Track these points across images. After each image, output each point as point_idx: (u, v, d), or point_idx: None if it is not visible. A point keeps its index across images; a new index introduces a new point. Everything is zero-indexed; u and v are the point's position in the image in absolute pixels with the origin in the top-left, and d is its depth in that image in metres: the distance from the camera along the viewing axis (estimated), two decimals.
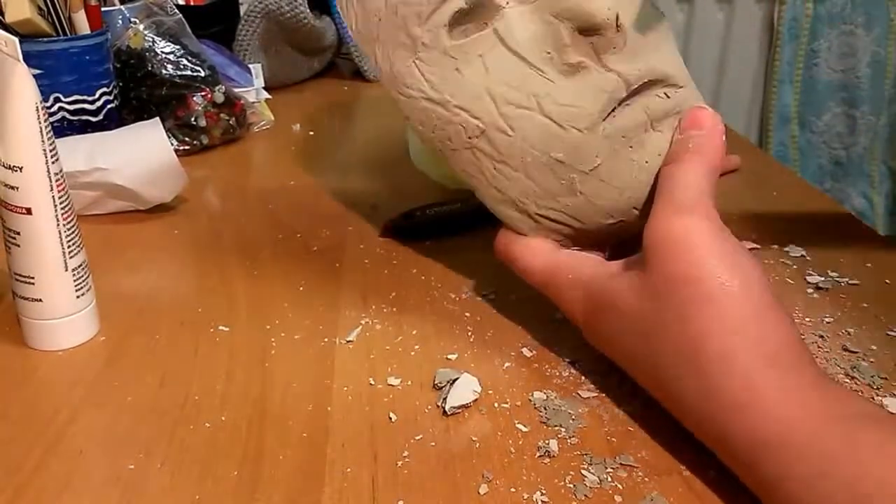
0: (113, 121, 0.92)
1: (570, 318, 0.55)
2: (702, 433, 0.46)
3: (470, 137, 0.55)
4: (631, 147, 0.55)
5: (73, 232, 0.55)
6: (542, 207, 0.56)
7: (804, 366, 0.44)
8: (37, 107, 0.52)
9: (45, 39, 0.86)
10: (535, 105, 0.53)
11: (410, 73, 0.56)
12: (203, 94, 0.97)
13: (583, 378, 0.54)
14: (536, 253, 0.57)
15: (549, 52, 0.54)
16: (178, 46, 0.99)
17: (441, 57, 0.55)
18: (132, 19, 0.98)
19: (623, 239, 0.57)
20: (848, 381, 0.54)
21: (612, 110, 0.54)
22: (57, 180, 0.54)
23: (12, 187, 0.53)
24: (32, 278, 0.55)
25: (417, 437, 0.49)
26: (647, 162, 0.55)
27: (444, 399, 0.51)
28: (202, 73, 0.98)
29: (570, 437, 0.49)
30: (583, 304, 0.53)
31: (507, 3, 0.54)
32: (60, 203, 0.54)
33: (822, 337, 0.59)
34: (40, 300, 0.55)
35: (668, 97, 0.56)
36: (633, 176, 0.55)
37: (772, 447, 0.41)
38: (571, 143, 0.54)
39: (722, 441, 0.44)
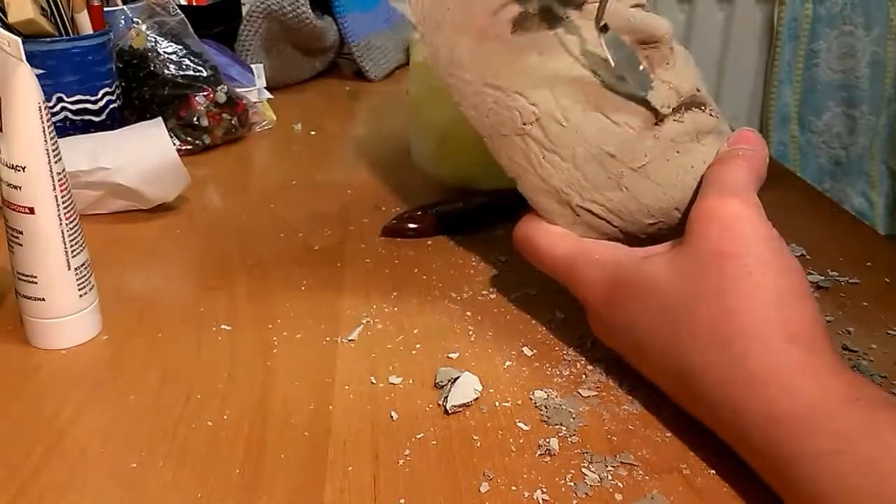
0: (115, 121, 0.93)
1: (584, 302, 0.55)
2: (715, 413, 0.46)
3: (524, 123, 0.56)
4: (678, 152, 0.56)
5: (75, 231, 0.56)
6: (585, 200, 0.56)
7: (826, 351, 0.44)
8: (39, 107, 0.52)
9: (48, 40, 0.86)
10: (591, 102, 0.55)
11: (472, 58, 0.57)
12: (205, 94, 0.97)
13: (583, 377, 0.54)
14: (560, 238, 0.57)
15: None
16: (180, 46, 0.99)
17: (504, 46, 0.57)
18: (135, 19, 0.98)
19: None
20: None
21: (665, 116, 0.56)
22: (60, 180, 0.54)
23: (15, 187, 0.53)
24: (35, 277, 0.55)
25: (419, 436, 0.49)
26: (692, 167, 0.56)
27: (446, 398, 0.51)
28: (204, 73, 0.98)
29: (570, 436, 0.49)
30: (603, 288, 0.53)
31: (568, 17, 0.58)
32: (63, 202, 0.54)
33: None
34: (43, 299, 0.55)
35: (712, 116, 0.58)
36: (679, 178, 0.56)
37: (788, 423, 0.41)
38: (624, 139, 0.55)
39: (736, 419, 0.44)
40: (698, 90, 0.58)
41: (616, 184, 0.55)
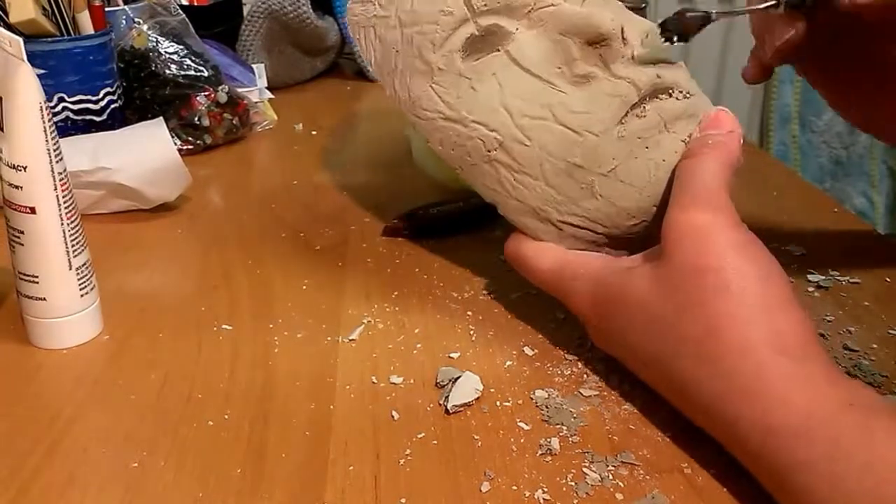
0: (117, 120, 0.93)
1: (577, 314, 0.55)
2: (711, 423, 0.46)
3: (489, 150, 0.56)
4: (647, 147, 0.55)
5: (76, 231, 0.56)
6: (563, 214, 0.56)
7: (817, 357, 0.44)
8: (41, 106, 0.52)
9: (49, 39, 0.86)
10: (549, 115, 0.55)
11: (428, 96, 0.57)
12: (206, 93, 0.97)
13: (584, 376, 0.54)
14: (545, 252, 0.57)
15: (560, 67, 0.55)
16: (181, 46, 0.99)
17: (456, 78, 0.56)
18: (136, 19, 0.98)
19: (644, 242, 0.57)
20: None
21: (626, 114, 0.55)
22: (61, 180, 0.54)
23: (16, 186, 0.53)
24: (36, 277, 0.55)
25: (420, 436, 0.49)
26: (663, 160, 0.56)
27: (447, 397, 0.51)
28: (206, 73, 0.98)
29: (571, 436, 0.49)
30: (592, 298, 0.53)
31: (517, 28, 0.56)
32: (64, 202, 0.54)
33: (823, 336, 0.59)
34: (44, 299, 0.55)
35: (680, 100, 0.57)
36: (651, 174, 0.56)
37: (783, 434, 0.41)
38: (588, 147, 0.55)
39: (732, 429, 0.44)
40: (658, 76, 0.56)
41: (590, 193, 0.55)
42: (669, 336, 0.47)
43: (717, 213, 0.48)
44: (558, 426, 0.50)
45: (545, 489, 0.44)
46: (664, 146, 0.56)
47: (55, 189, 0.54)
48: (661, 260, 0.49)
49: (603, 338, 0.54)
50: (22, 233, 0.54)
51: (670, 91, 0.57)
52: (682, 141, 0.56)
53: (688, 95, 0.58)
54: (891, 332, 0.60)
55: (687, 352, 0.46)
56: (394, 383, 0.54)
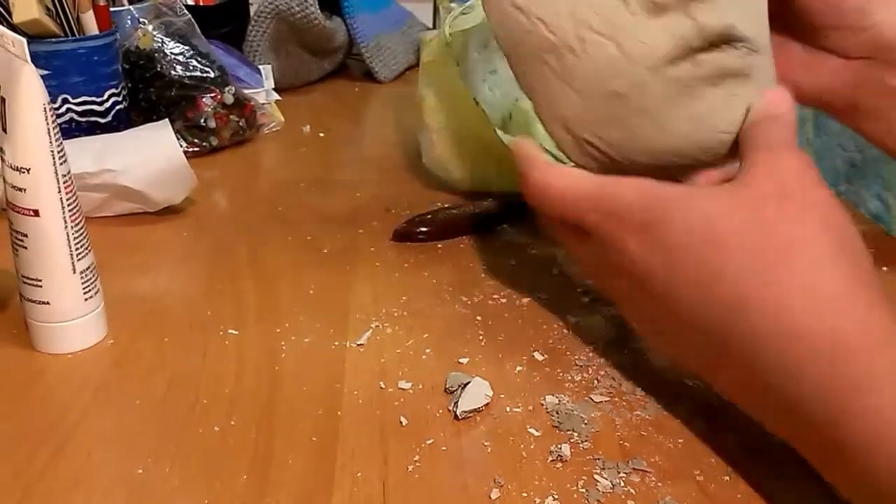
0: (121, 122, 0.92)
1: (615, 234, 0.50)
2: (767, 345, 0.43)
3: (542, 50, 0.55)
4: (689, 97, 0.54)
5: (80, 234, 0.55)
6: (589, 133, 0.55)
7: (880, 290, 0.44)
8: (44, 108, 0.52)
9: (54, 40, 0.85)
10: (612, 35, 0.53)
11: None
12: (212, 95, 0.97)
13: (595, 382, 0.54)
14: (580, 175, 0.54)
15: None
16: (187, 47, 0.99)
17: None
18: (141, 20, 0.98)
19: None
20: None
21: (683, 57, 0.54)
22: (65, 182, 0.53)
23: (20, 189, 0.53)
24: (40, 281, 0.55)
25: (428, 442, 0.48)
26: (699, 115, 0.54)
27: (456, 403, 0.51)
28: (212, 74, 0.98)
29: (582, 442, 0.48)
30: (641, 212, 0.49)
31: None
32: (68, 205, 0.54)
33: None
34: (48, 303, 0.55)
35: (741, 57, 0.55)
36: (682, 124, 0.54)
37: (856, 348, 0.41)
38: (635, 79, 0.53)
39: (797, 342, 0.42)
40: (733, 25, 0.54)
41: (620, 123, 0.54)
42: (747, 251, 0.45)
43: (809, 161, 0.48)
44: (569, 432, 0.49)
45: (556, 496, 0.44)
46: (705, 101, 0.54)
47: (59, 191, 0.53)
48: (747, 182, 0.48)
49: (642, 264, 0.49)
50: (25, 236, 0.54)
51: (738, 43, 0.55)
52: (725, 100, 0.55)
53: (752, 53, 0.56)
54: None
55: (762, 270, 0.44)
56: (402, 389, 0.53)
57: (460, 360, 0.56)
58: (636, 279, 0.49)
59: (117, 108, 0.91)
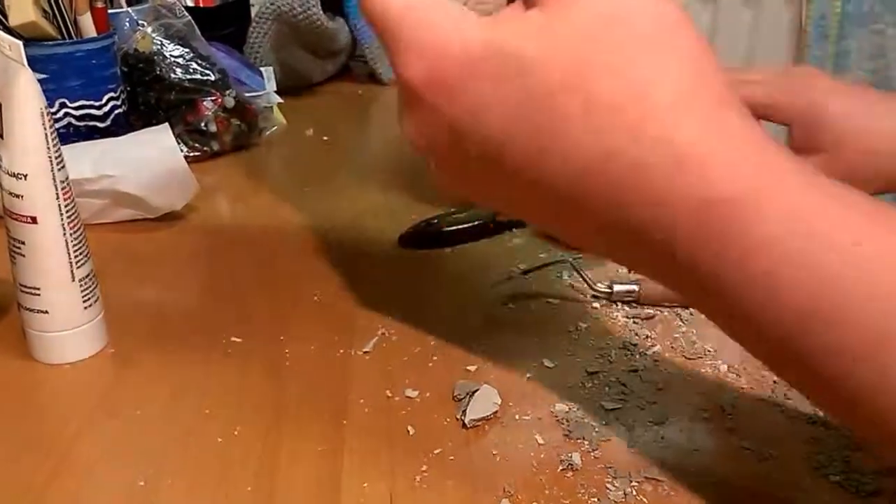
0: (120, 126, 0.92)
1: (407, 83, 0.46)
2: (623, 210, 0.38)
3: None
4: None
5: (79, 241, 0.55)
6: None
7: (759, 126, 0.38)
8: (42, 112, 0.51)
9: (51, 43, 0.86)
10: None
11: None
12: (213, 98, 0.96)
13: (606, 389, 0.54)
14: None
15: None
16: (187, 49, 0.98)
17: None
18: (140, 22, 0.98)
19: None
20: None
21: None
22: (63, 188, 0.53)
23: (17, 196, 0.52)
24: (38, 289, 0.54)
25: (436, 451, 0.48)
26: None
27: (464, 411, 0.50)
28: (212, 77, 0.98)
29: (593, 450, 0.48)
30: (430, 66, 0.43)
31: None
32: (67, 212, 0.53)
33: None
34: (46, 312, 0.55)
35: None
36: None
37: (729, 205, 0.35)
38: None
39: (660, 208, 0.36)
40: None
41: None
42: (568, 104, 0.37)
43: None
44: (579, 440, 0.49)
45: None
46: None
47: (57, 198, 0.53)
48: (557, 12, 0.38)
49: (443, 128, 0.44)
50: (23, 243, 0.53)
51: None
52: None
53: None
54: None
55: (596, 117, 0.37)
56: (409, 397, 0.53)
57: (468, 368, 0.56)
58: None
59: (116, 112, 0.91)
